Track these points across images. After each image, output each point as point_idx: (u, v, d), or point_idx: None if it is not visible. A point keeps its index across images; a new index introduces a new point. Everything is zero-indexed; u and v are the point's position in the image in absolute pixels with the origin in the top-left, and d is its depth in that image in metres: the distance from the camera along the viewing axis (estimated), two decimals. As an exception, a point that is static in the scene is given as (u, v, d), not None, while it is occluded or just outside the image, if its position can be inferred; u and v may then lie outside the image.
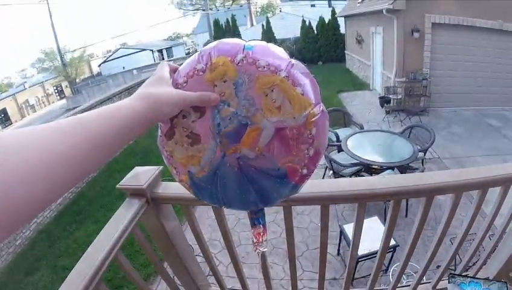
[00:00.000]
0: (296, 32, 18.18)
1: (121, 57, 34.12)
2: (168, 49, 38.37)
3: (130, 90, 10.41)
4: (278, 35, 17.97)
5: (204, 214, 4.43)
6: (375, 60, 10.80)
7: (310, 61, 17.23)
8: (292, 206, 1.19)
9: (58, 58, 30.58)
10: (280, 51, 0.68)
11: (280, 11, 29.81)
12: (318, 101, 0.68)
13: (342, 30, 16.36)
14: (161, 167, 1.19)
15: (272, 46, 0.69)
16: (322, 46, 17.34)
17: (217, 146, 0.68)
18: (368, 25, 11.11)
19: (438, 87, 8.54)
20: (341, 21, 16.21)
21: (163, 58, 35.22)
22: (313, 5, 23.12)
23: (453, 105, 8.67)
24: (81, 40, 56.18)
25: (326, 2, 22.27)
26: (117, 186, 1.18)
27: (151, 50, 33.84)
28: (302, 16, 18.43)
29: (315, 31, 17.51)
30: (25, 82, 42.52)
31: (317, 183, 1.13)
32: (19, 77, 56.78)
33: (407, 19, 8.19)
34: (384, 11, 8.42)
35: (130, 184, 1.16)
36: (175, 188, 1.16)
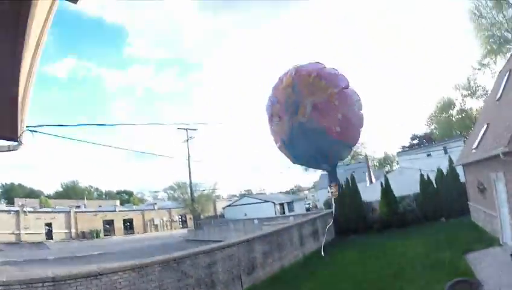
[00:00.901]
0: (416, 187, 17.55)
1: (244, 205, 37.82)
2: (289, 203, 40.72)
3: (249, 243, 10.71)
4: (398, 191, 17.72)
5: None
6: (502, 209, 9.10)
7: (432, 218, 15.86)
8: None
9: (188, 192, 34.83)
10: (319, 64, 1.63)
11: (397, 163, 29.72)
12: (337, 86, 1.55)
13: (462, 178, 14.85)
14: None
15: (314, 62, 1.71)
16: (443, 200, 15.90)
17: (289, 119, 1.59)
18: (488, 171, 10.03)
19: None
20: (459, 169, 14.93)
21: (283, 212, 37.30)
22: (428, 154, 22.49)
23: None
24: (212, 179, 64.32)
25: (442, 150, 21.35)
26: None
27: (273, 202, 36.57)
28: (420, 170, 18.02)
29: (434, 184, 16.60)
30: (155, 203, 50.65)
31: None
32: (151, 197, 67.73)
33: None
34: (500, 155, 7.69)
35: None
36: None
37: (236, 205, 39.39)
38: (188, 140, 31.01)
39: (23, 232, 34.04)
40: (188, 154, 31.20)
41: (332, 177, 1.46)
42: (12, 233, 33.51)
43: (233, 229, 26.09)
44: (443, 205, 15.86)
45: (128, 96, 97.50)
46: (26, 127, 4.23)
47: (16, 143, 4.11)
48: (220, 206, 44.16)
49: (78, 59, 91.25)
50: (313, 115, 1.28)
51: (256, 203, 37.16)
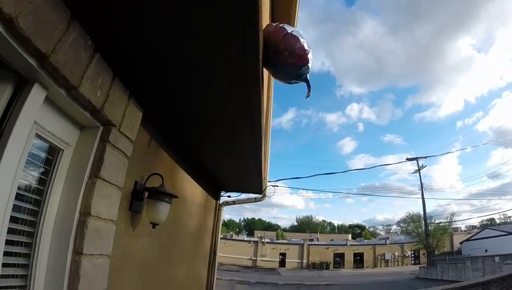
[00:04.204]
0: None
1: (484, 238, 30.46)
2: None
3: (484, 286, 8.70)
4: None
5: None
6: None
7: None
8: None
9: (422, 226, 31.10)
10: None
11: None
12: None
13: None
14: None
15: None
16: None
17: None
18: None
19: None
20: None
21: (534, 245, 26.85)
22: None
23: None
24: (446, 209, 54.33)
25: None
26: None
27: (519, 236, 27.17)
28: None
29: None
30: (387, 238, 46.77)
31: None
32: (383, 231, 63.90)
33: None
34: None
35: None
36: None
37: (475, 239, 32.29)
38: (419, 170, 29.01)
39: (259, 259, 41.08)
40: (421, 184, 28.72)
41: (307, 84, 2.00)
42: (250, 259, 41.16)
43: (471, 268, 22.04)
44: None
45: (350, 133, 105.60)
46: (268, 182, 5.84)
47: (260, 195, 5.67)
48: (457, 240, 37.34)
49: (297, 110, 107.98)
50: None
51: (499, 235, 29.00)
